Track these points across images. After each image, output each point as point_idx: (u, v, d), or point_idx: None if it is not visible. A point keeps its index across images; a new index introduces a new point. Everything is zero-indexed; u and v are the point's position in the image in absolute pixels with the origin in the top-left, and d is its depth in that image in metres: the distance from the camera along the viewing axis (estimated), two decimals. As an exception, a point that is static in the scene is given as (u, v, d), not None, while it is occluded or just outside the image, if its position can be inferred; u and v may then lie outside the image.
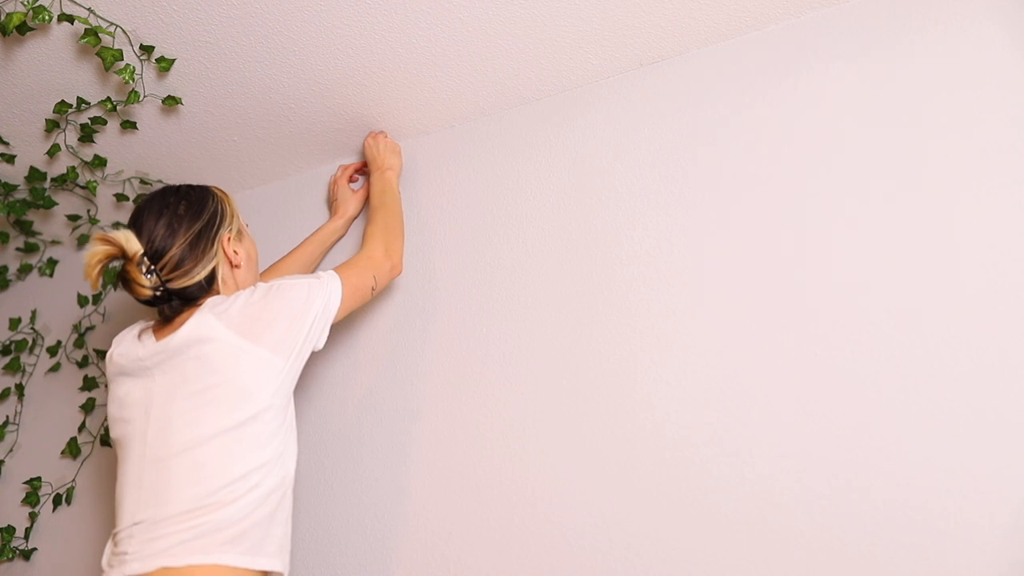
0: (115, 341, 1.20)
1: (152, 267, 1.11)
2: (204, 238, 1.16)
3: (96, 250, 1.08)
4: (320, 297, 1.15)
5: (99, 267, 1.08)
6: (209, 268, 1.15)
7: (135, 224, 1.14)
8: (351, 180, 1.64)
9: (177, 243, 1.12)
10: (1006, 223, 1.09)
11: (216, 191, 1.23)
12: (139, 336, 1.16)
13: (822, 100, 1.26)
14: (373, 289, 1.28)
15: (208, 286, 1.15)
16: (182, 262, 1.12)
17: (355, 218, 1.61)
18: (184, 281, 1.12)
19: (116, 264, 1.15)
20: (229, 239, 1.20)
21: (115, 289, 1.91)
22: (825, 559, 1.07)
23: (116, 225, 1.91)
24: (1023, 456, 1.00)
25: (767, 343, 1.19)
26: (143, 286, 1.10)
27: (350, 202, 1.60)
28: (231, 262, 1.20)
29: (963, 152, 1.14)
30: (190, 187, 1.22)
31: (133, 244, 1.09)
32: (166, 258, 1.11)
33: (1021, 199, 1.09)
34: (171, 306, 1.14)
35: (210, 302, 1.11)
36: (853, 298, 1.15)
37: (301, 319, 1.12)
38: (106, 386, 1.80)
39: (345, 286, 1.20)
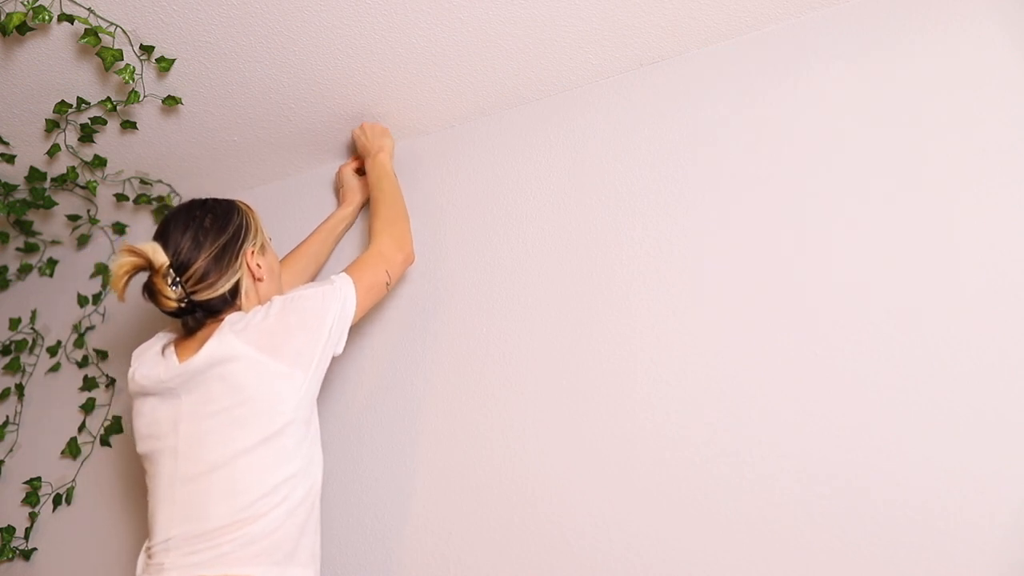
0: (136, 358, 1.21)
1: (177, 279, 1.13)
2: (229, 252, 1.18)
3: (123, 261, 1.11)
4: (335, 304, 1.16)
5: (126, 278, 1.12)
6: (233, 281, 1.17)
7: (161, 236, 1.16)
8: (357, 171, 1.63)
9: (202, 256, 1.15)
10: (1006, 223, 1.09)
11: (241, 205, 1.26)
12: (162, 353, 1.17)
13: (822, 100, 1.26)
14: (388, 284, 1.28)
15: (232, 299, 1.17)
16: (207, 275, 1.15)
17: (364, 205, 1.61)
18: (208, 293, 1.15)
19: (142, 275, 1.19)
20: (253, 253, 1.21)
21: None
22: (825, 559, 1.07)
23: (118, 226, 1.91)
24: (1023, 456, 1.00)
25: (767, 343, 1.19)
26: (168, 298, 1.12)
27: (357, 190, 1.59)
28: (254, 275, 1.21)
29: (963, 152, 1.14)
30: (216, 201, 1.24)
31: (160, 256, 1.12)
32: (191, 270, 1.14)
33: (1021, 199, 1.09)
34: (195, 318, 1.16)
35: (229, 320, 1.12)
36: (853, 298, 1.15)
37: (318, 330, 1.13)
38: (106, 386, 1.80)
39: (359, 287, 1.21)
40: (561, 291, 1.38)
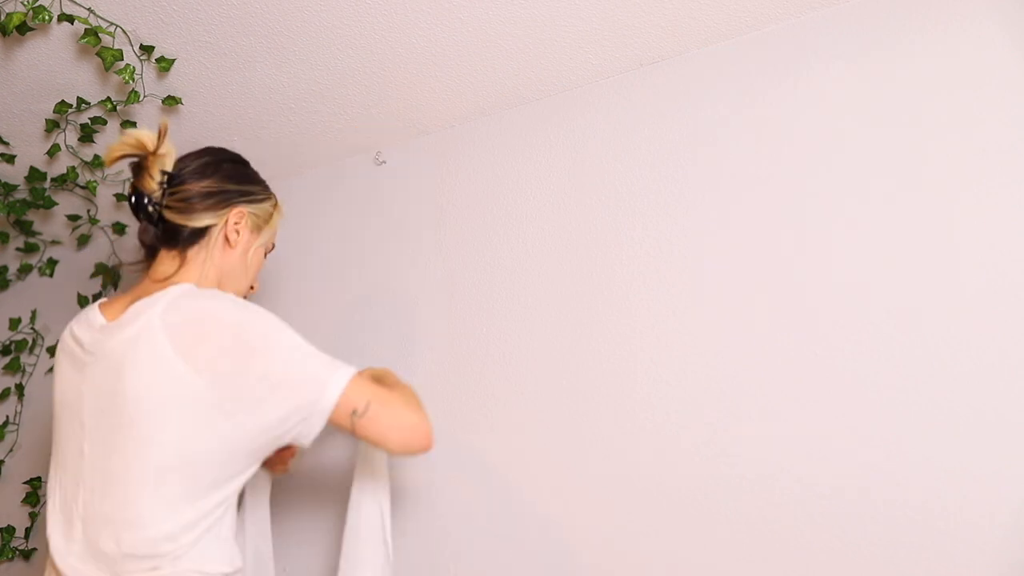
0: (75, 319, 1.07)
1: (164, 186, 1.04)
2: (223, 196, 1.08)
3: (131, 139, 1.02)
4: (305, 373, 0.93)
5: (120, 157, 1.03)
6: (207, 222, 1.06)
7: (181, 160, 1.08)
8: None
9: (199, 185, 1.06)
10: (1006, 223, 1.09)
11: (269, 189, 1.17)
12: (94, 312, 1.03)
13: (822, 100, 1.26)
14: (354, 414, 0.94)
15: (195, 239, 1.05)
16: (189, 200, 1.05)
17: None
18: (178, 218, 1.04)
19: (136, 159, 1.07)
20: (243, 215, 1.09)
21: (115, 290, 1.91)
22: (825, 559, 1.07)
23: (117, 226, 1.91)
24: (1023, 456, 1.00)
25: (767, 343, 1.19)
26: (152, 179, 1.02)
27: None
28: (227, 237, 1.08)
29: (963, 152, 1.14)
30: (252, 168, 1.16)
31: (164, 146, 1.03)
32: (181, 189, 1.05)
33: (1021, 199, 1.09)
34: (156, 235, 1.05)
35: (170, 295, 0.96)
36: (853, 298, 1.15)
37: (257, 361, 0.91)
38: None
39: (344, 391, 0.94)
40: (561, 291, 1.38)
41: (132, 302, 0.99)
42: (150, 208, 1.04)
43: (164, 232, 1.05)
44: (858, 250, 1.17)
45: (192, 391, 0.89)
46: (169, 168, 1.04)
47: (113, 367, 0.93)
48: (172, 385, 0.90)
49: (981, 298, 1.07)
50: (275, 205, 1.17)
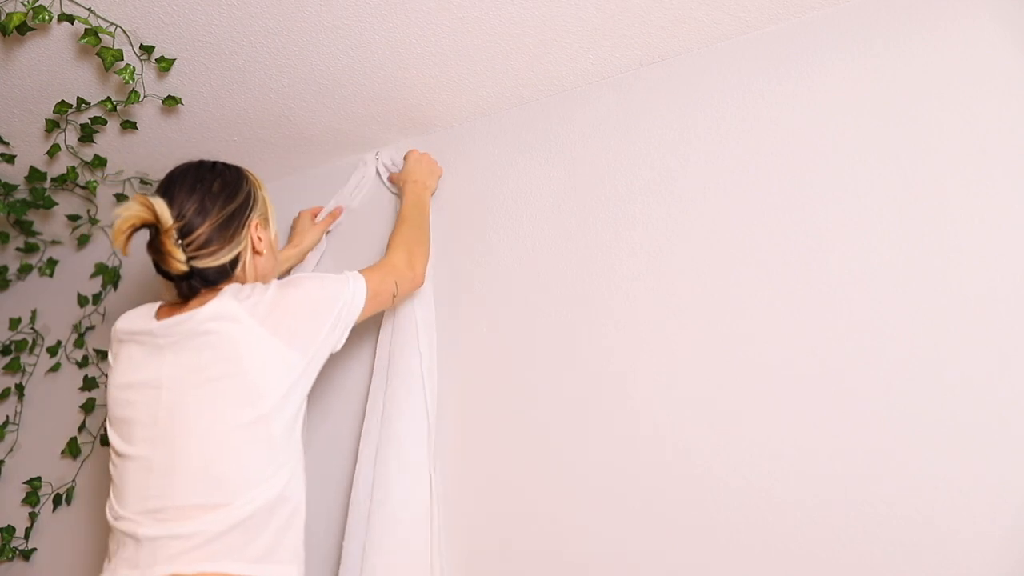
0: (122, 317, 1.16)
1: (179, 241, 1.07)
2: (235, 221, 1.13)
3: (131, 213, 1.04)
4: (343, 296, 1.13)
5: (130, 231, 1.05)
6: (235, 253, 1.12)
7: (166, 194, 1.10)
8: (314, 215, 1.62)
9: (208, 222, 1.10)
10: (1006, 223, 1.09)
11: (249, 175, 1.21)
12: (149, 312, 1.13)
13: (822, 100, 1.26)
14: (394, 296, 1.26)
15: (231, 270, 1.12)
16: (209, 242, 1.09)
17: (309, 250, 1.59)
18: (208, 262, 1.09)
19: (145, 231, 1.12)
20: (257, 225, 1.17)
21: (115, 290, 1.91)
22: (825, 558, 1.07)
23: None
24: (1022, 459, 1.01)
25: (768, 344, 1.19)
26: (178, 260, 1.06)
27: (308, 233, 1.59)
28: (255, 248, 1.17)
29: (963, 152, 1.14)
30: (225, 166, 1.19)
31: (168, 214, 1.06)
32: (194, 235, 1.08)
33: (1021, 199, 1.09)
34: (190, 284, 1.10)
35: (231, 289, 1.08)
36: (855, 297, 1.15)
37: (322, 315, 1.10)
38: (107, 386, 1.80)
39: (368, 289, 1.18)
40: (561, 291, 1.38)
41: (194, 308, 1.07)
42: (185, 270, 1.08)
43: (202, 280, 1.10)
44: (858, 251, 1.17)
45: (276, 351, 1.05)
46: (171, 222, 1.07)
47: (201, 343, 1.04)
48: (262, 348, 1.04)
49: (982, 299, 1.07)
50: (258, 185, 1.22)
